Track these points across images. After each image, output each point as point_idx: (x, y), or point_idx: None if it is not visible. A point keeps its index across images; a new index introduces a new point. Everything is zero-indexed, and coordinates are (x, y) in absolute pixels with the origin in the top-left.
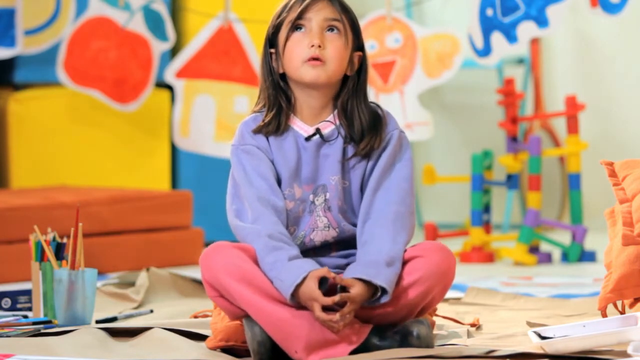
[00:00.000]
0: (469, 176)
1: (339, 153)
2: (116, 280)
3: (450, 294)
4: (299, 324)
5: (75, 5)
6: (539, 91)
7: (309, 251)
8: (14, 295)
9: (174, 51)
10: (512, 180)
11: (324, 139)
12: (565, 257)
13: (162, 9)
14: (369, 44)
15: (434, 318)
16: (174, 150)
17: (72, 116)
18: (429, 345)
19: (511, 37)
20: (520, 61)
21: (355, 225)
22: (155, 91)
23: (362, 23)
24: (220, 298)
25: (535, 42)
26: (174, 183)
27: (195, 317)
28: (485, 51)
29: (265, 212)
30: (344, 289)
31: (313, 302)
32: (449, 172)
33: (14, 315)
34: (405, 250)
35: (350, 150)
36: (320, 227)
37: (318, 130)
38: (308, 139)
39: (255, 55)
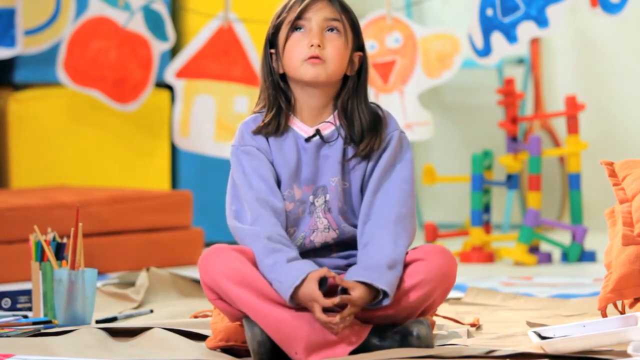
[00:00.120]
0: (469, 176)
1: (339, 154)
2: (116, 280)
3: (450, 294)
4: (299, 326)
5: (75, 5)
6: (539, 91)
7: (309, 252)
8: (14, 295)
9: (174, 51)
10: (512, 180)
11: (324, 140)
12: (565, 257)
13: (162, 9)
14: (369, 44)
15: (434, 318)
16: (174, 150)
17: (72, 116)
18: (429, 345)
19: (511, 37)
20: (520, 61)
21: (355, 226)
22: (155, 91)
23: (362, 23)
24: (220, 300)
25: (535, 42)
26: (174, 183)
27: (195, 317)
28: (485, 51)
29: (264, 214)
30: (345, 290)
31: (313, 303)
32: (449, 172)
33: (14, 315)
34: (407, 253)
35: (350, 151)
36: (320, 228)
37: (318, 131)
38: (308, 140)
39: (255, 55)
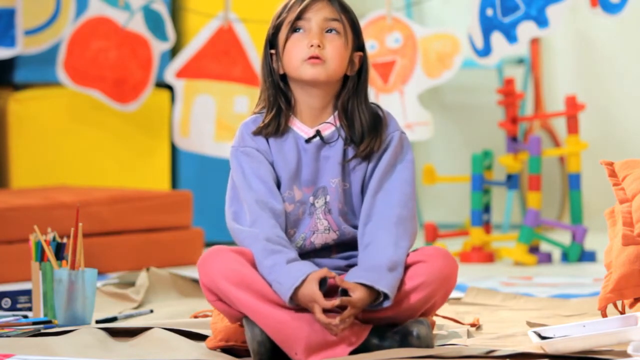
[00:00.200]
0: (469, 176)
1: (339, 155)
2: (116, 280)
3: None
4: (299, 326)
5: (75, 5)
6: (539, 91)
7: (309, 253)
8: (14, 295)
9: (174, 51)
10: (512, 180)
11: (324, 141)
12: (565, 257)
13: (162, 9)
14: (369, 44)
15: (434, 318)
16: (174, 150)
17: (72, 116)
18: (429, 345)
19: (511, 37)
20: (520, 61)
21: (355, 227)
22: (155, 91)
23: (362, 23)
24: (220, 302)
25: (535, 42)
26: (174, 183)
27: (195, 317)
28: (485, 51)
29: (263, 216)
30: (345, 291)
31: (314, 304)
32: (449, 172)
33: (14, 315)
34: (408, 255)
35: (351, 152)
36: (320, 229)
37: (318, 132)
38: (308, 140)
39: (255, 55)
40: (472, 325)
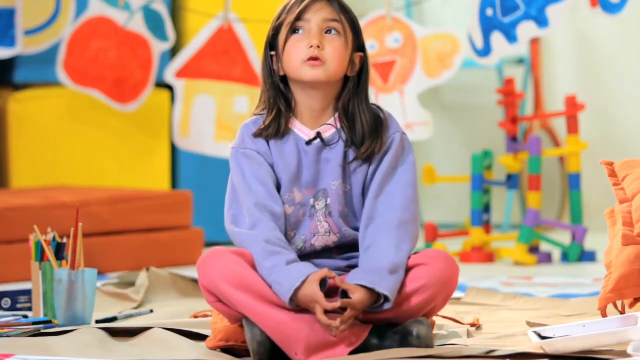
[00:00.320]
0: (469, 176)
1: (340, 157)
2: (116, 280)
3: None
4: (299, 327)
5: (75, 5)
6: (539, 91)
7: (309, 255)
8: (14, 295)
9: (174, 51)
10: (512, 180)
11: (325, 143)
12: (565, 257)
13: (162, 9)
14: (369, 44)
15: (434, 318)
16: (174, 150)
17: (72, 116)
18: (429, 345)
19: (511, 37)
20: (520, 61)
21: (356, 229)
22: (155, 91)
23: (362, 23)
24: (219, 303)
25: (535, 42)
26: (174, 183)
27: (195, 317)
28: (485, 51)
29: (262, 219)
30: (345, 293)
31: (315, 305)
32: (449, 172)
33: (14, 315)
34: (409, 258)
35: (352, 154)
36: (321, 232)
37: (319, 135)
38: (309, 142)
39: (255, 55)
40: (472, 325)
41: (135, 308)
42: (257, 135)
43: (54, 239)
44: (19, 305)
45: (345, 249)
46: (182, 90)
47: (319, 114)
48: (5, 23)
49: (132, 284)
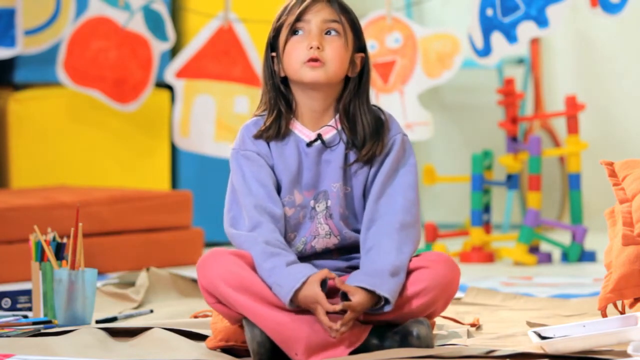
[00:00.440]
0: (469, 176)
1: (340, 159)
2: (116, 280)
3: None
4: (299, 327)
5: (75, 5)
6: (539, 91)
7: (310, 257)
8: (14, 295)
9: (174, 51)
10: (512, 180)
11: (326, 145)
12: (565, 257)
13: (162, 9)
14: (369, 44)
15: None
16: (174, 150)
17: (72, 116)
18: (429, 345)
19: (511, 37)
20: (520, 61)
21: (357, 231)
22: (155, 91)
23: (362, 23)
24: (219, 304)
25: (535, 42)
26: (174, 183)
27: (195, 317)
28: (485, 51)
29: (262, 221)
30: (346, 294)
31: (317, 306)
32: (449, 172)
33: (14, 315)
34: (410, 260)
35: (352, 156)
36: (321, 234)
37: (319, 136)
38: (309, 144)
39: (255, 55)
40: (472, 325)
41: (135, 308)
42: (257, 136)
43: (54, 239)
44: (19, 305)
45: (346, 251)
46: (182, 90)
47: (319, 115)
48: (5, 23)
49: (132, 284)
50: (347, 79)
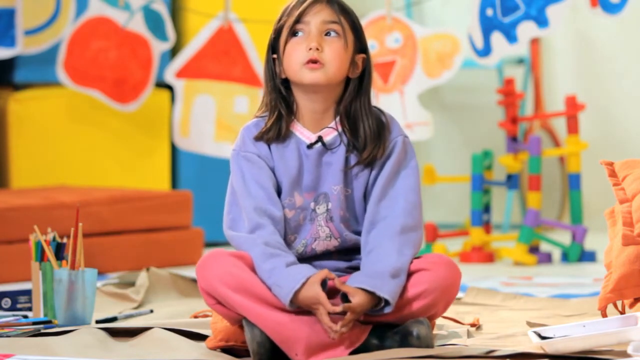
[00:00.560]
0: (469, 176)
1: (341, 162)
2: (116, 280)
3: None
4: (298, 328)
5: (75, 5)
6: (539, 91)
7: (310, 258)
8: (14, 295)
9: (174, 51)
10: (512, 180)
11: (326, 147)
12: (565, 257)
13: (162, 9)
14: (369, 44)
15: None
16: (174, 150)
17: (72, 116)
18: (429, 345)
19: (511, 37)
20: (520, 61)
21: (357, 233)
22: (155, 91)
23: (362, 23)
24: (219, 305)
25: (535, 42)
26: (174, 183)
27: (195, 317)
28: (485, 51)
29: (261, 223)
30: (346, 295)
31: (318, 306)
32: (449, 172)
33: (14, 315)
34: (411, 262)
35: (353, 159)
36: (322, 237)
37: (320, 138)
38: (310, 146)
39: (255, 55)
40: (472, 325)
41: (135, 308)
42: (258, 138)
43: (54, 239)
44: (19, 305)
45: (346, 253)
46: (182, 90)
47: (320, 117)
48: (5, 23)
49: (132, 284)
50: (348, 80)
